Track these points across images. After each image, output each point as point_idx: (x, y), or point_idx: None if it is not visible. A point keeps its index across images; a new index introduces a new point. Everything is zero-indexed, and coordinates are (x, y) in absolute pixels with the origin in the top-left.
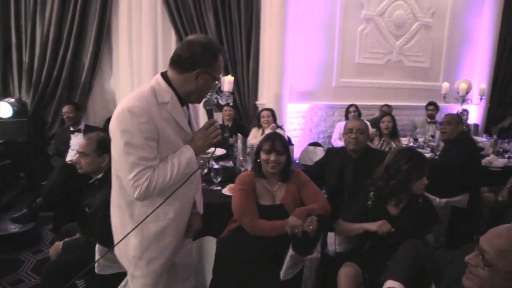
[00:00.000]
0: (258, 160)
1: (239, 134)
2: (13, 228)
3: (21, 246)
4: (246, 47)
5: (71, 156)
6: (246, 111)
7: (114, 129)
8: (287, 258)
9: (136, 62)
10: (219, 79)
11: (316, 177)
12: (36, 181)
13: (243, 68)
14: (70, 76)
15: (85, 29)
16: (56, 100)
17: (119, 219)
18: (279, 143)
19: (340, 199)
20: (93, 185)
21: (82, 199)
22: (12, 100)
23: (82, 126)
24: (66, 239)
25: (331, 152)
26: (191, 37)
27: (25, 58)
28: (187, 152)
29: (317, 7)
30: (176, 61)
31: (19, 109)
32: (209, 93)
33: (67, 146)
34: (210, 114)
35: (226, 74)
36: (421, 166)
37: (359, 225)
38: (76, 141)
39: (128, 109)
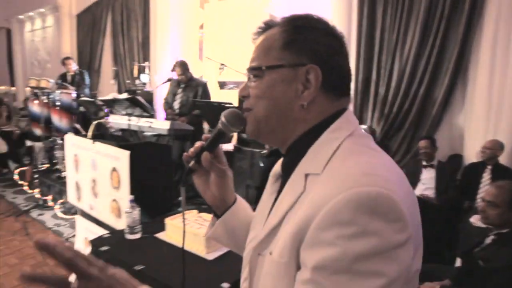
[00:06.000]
0: None
1: None
2: None
3: None
4: None
5: (420, 190)
6: None
7: None
8: None
9: (497, 97)
10: None
11: None
12: None
13: None
14: (421, 109)
15: (441, 65)
16: (404, 131)
17: None
18: None
19: None
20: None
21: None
22: (365, 126)
23: (435, 162)
24: None
25: None
26: None
27: (381, 91)
28: None
29: None
30: None
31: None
32: None
33: (416, 180)
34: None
35: None
36: None
37: None
38: (428, 175)
39: None
